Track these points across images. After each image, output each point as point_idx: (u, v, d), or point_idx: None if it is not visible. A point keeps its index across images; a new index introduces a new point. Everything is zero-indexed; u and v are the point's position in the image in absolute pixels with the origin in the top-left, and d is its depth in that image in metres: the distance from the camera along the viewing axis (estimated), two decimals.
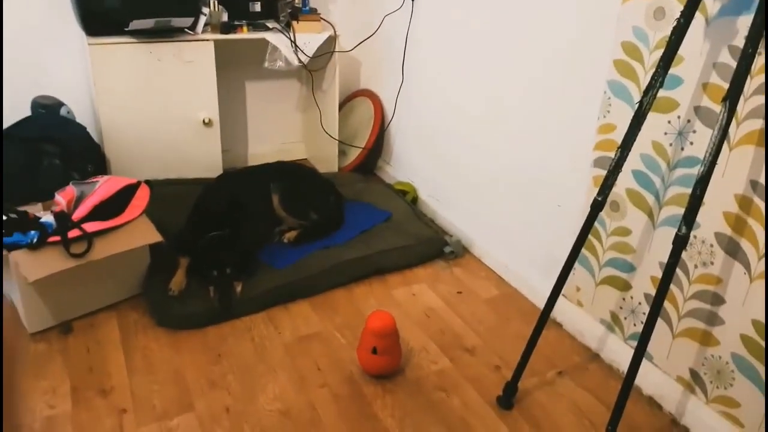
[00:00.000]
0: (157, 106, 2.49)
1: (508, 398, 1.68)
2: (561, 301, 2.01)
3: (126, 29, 2.31)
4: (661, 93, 1.56)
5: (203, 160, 2.65)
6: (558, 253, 1.88)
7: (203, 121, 2.58)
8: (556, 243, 1.99)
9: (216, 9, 2.58)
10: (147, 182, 2.12)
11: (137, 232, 1.95)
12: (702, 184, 1.29)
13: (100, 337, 1.87)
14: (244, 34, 2.63)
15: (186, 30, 2.47)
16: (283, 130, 3.27)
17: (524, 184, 2.14)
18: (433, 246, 2.42)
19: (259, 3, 2.68)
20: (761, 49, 1.32)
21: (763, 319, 1.41)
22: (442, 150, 2.62)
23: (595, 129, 1.80)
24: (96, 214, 1.91)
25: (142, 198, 2.03)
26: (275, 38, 2.66)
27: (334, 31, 2.80)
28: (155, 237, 1.95)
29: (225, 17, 2.61)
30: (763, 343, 1.42)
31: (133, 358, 1.79)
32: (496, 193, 2.30)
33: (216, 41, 2.53)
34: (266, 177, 2.39)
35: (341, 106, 3.20)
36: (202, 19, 2.53)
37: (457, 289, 2.23)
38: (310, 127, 3.23)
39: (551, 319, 2.05)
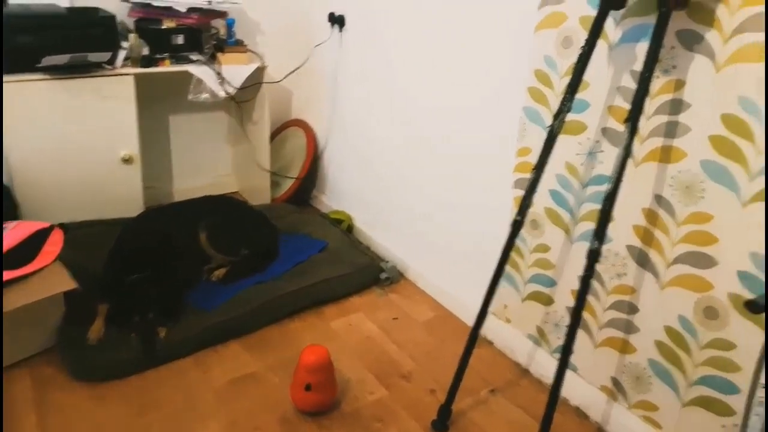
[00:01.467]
0: (73, 144, 2.40)
1: (442, 421, 1.69)
2: (491, 319, 2.06)
3: (38, 66, 2.23)
4: (571, 116, 1.66)
5: (123, 198, 2.56)
6: (487, 273, 1.93)
7: (123, 158, 2.50)
8: (486, 262, 2.04)
9: (136, 42, 2.54)
10: (61, 225, 2.02)
11: (50, 280, 1.84)
12: (610, 200, 1.36)
13: (12, 397, 1.73)
14: (167, 68, 2.59)
15: (104, 65, 2.41)
16: (211, 163, 3.22)
17: (453, 206, 2.19)
18: (369, 273, 2.42)
19: (182, 35, 2.66)
20: (658, 72, 1.43)
21: (674, 325, 1.49)
22: (375, 177, 2.65)
23: (514, 152, 1.88)
24: (4, 262, 1.80)
25: (55, 243, 1.93)
26: (199, 70, 2.64)
27: (262, 62, 2.81)
28: (69, 284, 1.85)
29: (146, 51, 2.57)
30: (675, 348, 1.50)
31: (49, 418, 1.66)
32: (428, 216, 2.35)
33: (136, 75, 2.48)
34: (192, 213, 2.33)
35: (273, 136, 3.19)
36: (121, 54, 2.48)
37: (393, 315, 2.24)
38: (240, 159, 3.20)
39: (483, 338, 2.09)
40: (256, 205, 2.83)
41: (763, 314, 1.23)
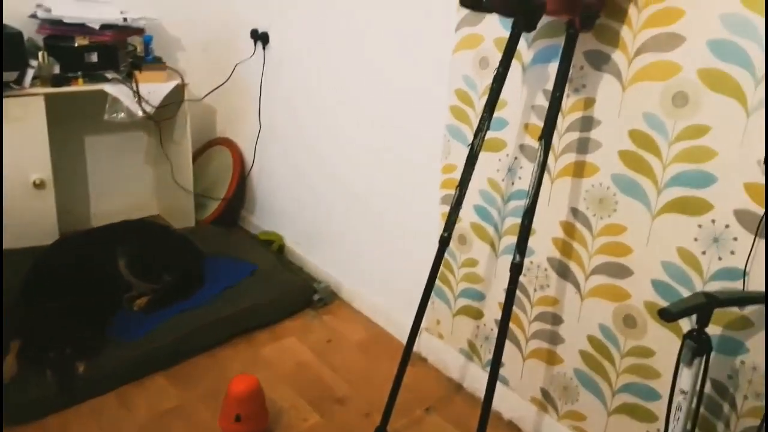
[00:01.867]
0: None
1: None
2: (424, 335, 2.06)
3: None
4: (491, 134, 1.69)
5: (36, 225, 2.40)
6: (420, 289, 1.94)
7: (34, 182, 2.35)
8: (418, 279, 2.04)
9: (46, 61, 2.40)
10: None
11: None
12: (529, 215, 1.39)
13: None
14: (80, 87, 2.47)
15: (11, 85, 2.27)
16: (131, 185, 3.08)
17: (384, 223, 2.19)
18: (301, 295, 2.38)
19: (95, 53, 2.54)
20: (569, 91, 1.48)
21: (596, 334, 1.54)
22: (305, 195, 2.61)
23: (440, 169, 1.90)
24: None
25: None
26: (115, 89, 2.52)
27: (182, 80, 2.72)
28: None
29: (57, 69, 2.43)
30: (599, 357, 1.55)
31: None
32: (360, 233, 2.33)
33: (47, 95, 2.34)
34: (110, 239, 2.22)
35: (197, 156, 3.09)
36: (30, 72, 2.34)
37: (327, 337, 2.20)
38: (161, 180, 3.08)
39: (417, 355, 2.09)
40: (179, 228, 2.73)
41: (677, 322, 1.28)
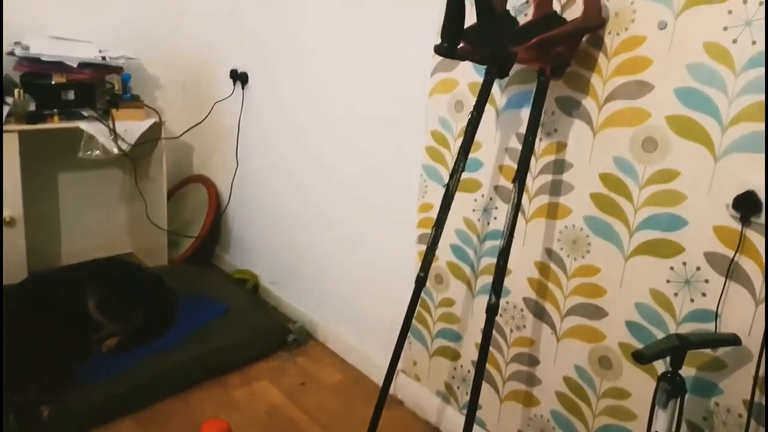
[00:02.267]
0: None
1: None
2: (401, 377, 2.04)
3: None
4: (467, 175, 1.72)
5: (5, 263, 2.34)
6: (396, 329, 1.92)
7: (4, 219, 2.30)
8: (395, 319, 2.03)
9: (21, 98, 2.39)
10: None
11: None
12: (504, 255, 1.40)
13: None
14: (55, 124, 2.45)
15: None
16: (104, 223, 3.03)
17: (362, 262, 2.18)
18: (275, 336, 2.33)
19: (72, 91, 2.53)
20: (541, 135, 1.52)
21: (572, 376, 1.54)
22: (281, 233, 2.60)
23: (416, 208, 1.92)
24: None
25: None
26: (91, 127, 2.51)
27: (160, 118, 2.72)
28: None
29: (32, 106, 2.42)
30: (575, 398, 1.54)
31: None
32: (336, 272, 2.32)
33: (21, 132, 2.32)
34: (79, 278, 2.16)
35: (172, 193, 3.07)
36: (5, 109, 2.32)
37: (300, 379, 2.15)
38: (135, 218, 3.04)
39: (393, 398, 2.05)
40: (152, 266, 2.68)
41: (652, 363, 1.29)
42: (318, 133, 2.30)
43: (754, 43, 1.15)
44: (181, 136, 2.95)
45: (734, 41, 1.17)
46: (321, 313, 2.43)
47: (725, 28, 1.18)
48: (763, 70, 1.14)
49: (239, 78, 2.68)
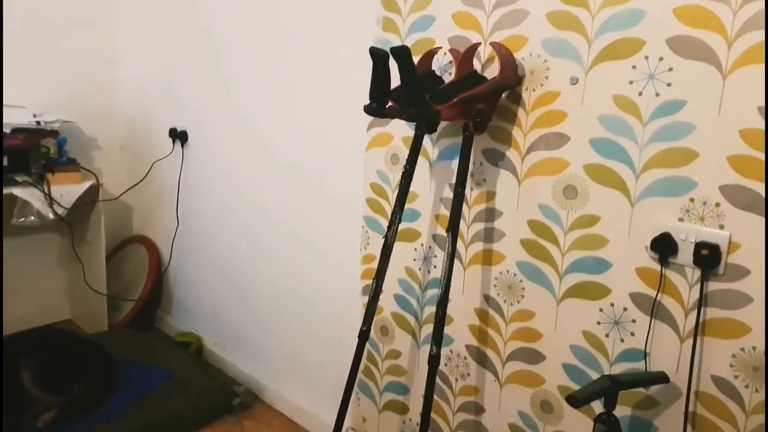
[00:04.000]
0: None
1: None
2: None
3: None
4: (406, 225, 1.75)
5: None
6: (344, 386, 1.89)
7: None
8: (342, 376, 2.00)
9: None
10: None
11: None
12: (442, 304, 1.42)
13: None
14: None
15: None
16: (40, 290, 2.90)
17: (308, 318, 2.16)
18: (220, 400, 2.26)
19: (6, 157, 2.47)
20: (472, 185, 1.57)
21: (517, 422, 1.54)
22: (225, 292, 2.55)
23: (360, 260, 1.93)
24: None
25: None
26: (25, 192, 2.44)
27: (97, 180, 2.67)
28: None
29: None
30: None
31: None
32: (281, 331, 2.28)
33: None
34: (12, 350, 2.05)
35: (111, 256, 2.98)
36: None
37: None
38: (73, 283, 2.92)
39: None
40: (90, 333, 2.58)
41: (590, 405, 1.32)
42: (259, 189, 2.30)
43: (657, 95, 1.24)
44: (119, 197, 2.90)
45: (640, 93, 1.26)
46: (267, 373, 2.37)
47: (631, 82, 1.27)
48: (668, 119, 1.23)
49: (178, 136, 2.67)
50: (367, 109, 1.32)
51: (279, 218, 2.23)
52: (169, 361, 2.41)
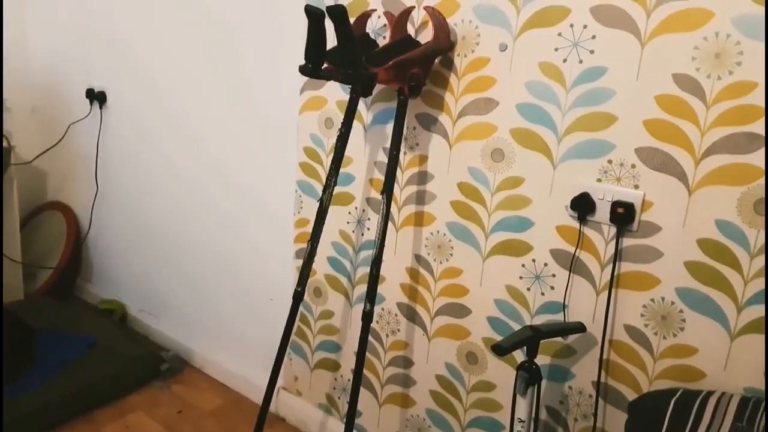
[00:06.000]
0: None
1: None
2: (283, 394, 2.03)
3: None
4: (340, 188, 1.77)
5: None
6: (276, 348, 1.91)
7: None
8: (275, 337, 2.01)
9: None
10: None
11: None
12: (376, 264, 1.47)
13: None
14: None
15: None
16: None
17: (237, 282, 2.15)
18: (146, 366, 2.22)
19: None
20: (405, 149, 1.61)
21: (444, 373, 1.63)
22: (149, 258, 2.48)
23: (293, 224, 1.93)
24: None
25: None
26: None
27: (8, 143, 2.50)
28: None
29: None
30: (447, 395, 1.63)
31: None
32: (210, 294, 2.26)
33: None
34: None
35: (25, 223, 2.81)
36: None
37: (177, 408, 2.07)
38: None
39: (275, 416, 2.03)
40: (6, 303, 2.43)
41: (512, 355, 1.41)
42: (184, 153, 2.24)
43: (581, 62, 1.31)
44: (32, 161, 2.73)
45: (564, 60, 1.33)
46: (196, 338, 2.35)
47: (556, 49, 1.34)
48: (590, 85, 1.31)
49: (96, 97, 2.53)
50: (302, 70, 1.32)
51: (202, 183, 2.19)
52: (92, 329, 2.33)
